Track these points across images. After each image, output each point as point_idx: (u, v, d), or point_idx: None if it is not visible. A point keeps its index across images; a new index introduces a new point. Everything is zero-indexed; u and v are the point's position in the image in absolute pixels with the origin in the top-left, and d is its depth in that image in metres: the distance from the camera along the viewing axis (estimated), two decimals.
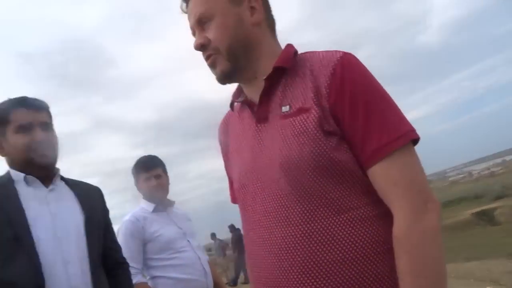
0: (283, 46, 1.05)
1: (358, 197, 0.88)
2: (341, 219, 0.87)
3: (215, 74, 1.03)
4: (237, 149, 1.07)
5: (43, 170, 1.54)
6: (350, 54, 0.93)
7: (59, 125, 1.65)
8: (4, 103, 1.55)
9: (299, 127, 0.90)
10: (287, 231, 0.89)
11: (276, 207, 0.92)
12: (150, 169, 2.40)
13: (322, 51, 0.97)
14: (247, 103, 1.05)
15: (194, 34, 1.04)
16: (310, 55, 0.98)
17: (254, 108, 1.02)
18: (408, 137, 0.87)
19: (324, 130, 0.88)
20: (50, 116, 1.62)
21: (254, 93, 1.03)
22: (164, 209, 2.39)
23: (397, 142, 0.85)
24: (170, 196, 2.47)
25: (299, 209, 0.88)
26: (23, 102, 1.54)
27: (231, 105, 1.13)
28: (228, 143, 1.13)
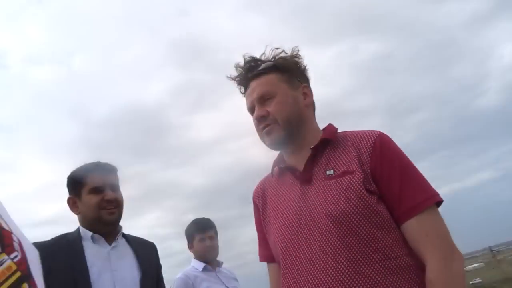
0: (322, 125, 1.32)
1: (400, 247, 1.06)
2: (386, 266, 1.02)
3: (270, 140, 1.25)
4: (277, 209, 1.23)
5: (109, 227, 1.72)
6: (385, 133, 1.19)
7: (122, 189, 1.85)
8: (80, 168, 1.79)
9: (345, 184, 1.10)
10: (335, 275, 1.02)
11: (323, 254, 1.06)
12: (205, 230, 2.57)
13: (360, 130, 1.22)
14: (289, 169, 1.25)
15: (252, 108, 1.28)
16: (350, 133, 1.23)
17: (297, 173, 1.22)
18: (435, 199, 1.09)
19: (367, 189, 1.08)
20: (118, 178, 1.83)
21: (298, 161, 1.24)
22: (213, 269, 2.53)
23: (427, 202, 1.07)
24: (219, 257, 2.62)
25: (346, 255, 1.03)
26: (97, 167, 1.78)
27: (272, 169, 1.32)
28: (266, 205, 1.29)
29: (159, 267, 1.89)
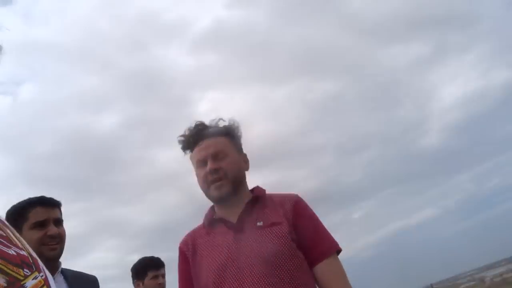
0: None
1: (313, 284, 1.43)
2: None
3: (218, 194, 1.48)
4: (210, 255, 1.45)
5: (49, 263, 1.60)
6: (301, 197, 1.54)
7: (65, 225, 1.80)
8: (23, 202, 1.73)
9: (274, 233, 1.42)
10: None
11: (256, 284, 1.34)
12: (159, 268, 2.57)
13: (282, 193, 1.56)
14: (222, 220, 1.50)
15: (204, 161, 1.49)
16: (274, 194, 1.56)
17: (229, 223, 1.48)
18: (336, 247, 1.48)
19: (291, 237, 1.41)
20: (61, 213, 1.79)
21: (229, 214, 1.50)
22: None
23: (331, 250, 1.45)
24: None
25: (278, 285, 1.33)
26: (40, 200, 1.72)
27: (205, 221, 1.56)
28: (196, 253, 1.50)
29: None
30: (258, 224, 1.44)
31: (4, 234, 0.42)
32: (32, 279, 0.40)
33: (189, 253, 1.52)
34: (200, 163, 1.51)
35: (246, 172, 1.59)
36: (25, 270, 0.41)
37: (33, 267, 0.45)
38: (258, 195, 1.53)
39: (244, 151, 1.61)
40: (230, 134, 1.56)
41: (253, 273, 1.34)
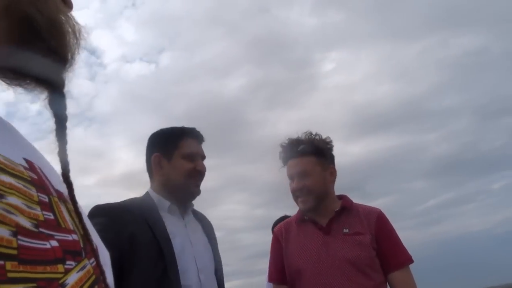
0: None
1: (384, 284, 1.68)
2: None
3: (303, 208, 1.75)
4: (302, 247, 1.72)
5: (189, 200, 1.61)
6: (382, 212, 1.78)
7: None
8: (175, 129, 1.63)
9: (359, 240, 1.67)
10: None
11: (340, 284, 1.60)
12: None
13: (366, 205, 1.81)
14: (313, 222, 1.76)
15: (292, 177, 1.76)
16: (360, 205, 1.79)
17: (319, 225, 1.74)
18: (412, 260, 1.70)
19: (372, 246, 1.66)
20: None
21: (320, 218, 1.75)
22: None
23: (407, 262, 1.70)
24: None
25: (357, 285, 1.60)
26: (193, 133, 1.64)
27: (298, 218, 1.80)
28: (289, 241, 1.77)
29: (217, 245, 1.75)
30: (344, 230, 1.70)
31: (52, 217, 0.34)
32: (78, 271, 0.33)
33: (282, 238, 1.79)
34: (289, 178, 1.79)
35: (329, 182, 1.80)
36: (67, 263, 0.32)
37: (82, 254, 0.35)
38: (345, 205, 1.77)
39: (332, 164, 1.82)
40: (318, 152, 1.77)
41: (341, 272, 1.61)
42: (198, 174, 1.58)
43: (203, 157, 1.63)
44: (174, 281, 1.37)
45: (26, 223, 0.30)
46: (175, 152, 1.56)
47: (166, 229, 1.45)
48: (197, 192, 1.60)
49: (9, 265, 0.27)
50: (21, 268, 0.28)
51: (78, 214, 0.37)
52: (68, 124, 0.40)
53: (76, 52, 0.42)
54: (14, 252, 0.28)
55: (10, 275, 0.27)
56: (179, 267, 1.40)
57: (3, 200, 0.29)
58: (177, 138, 1.59)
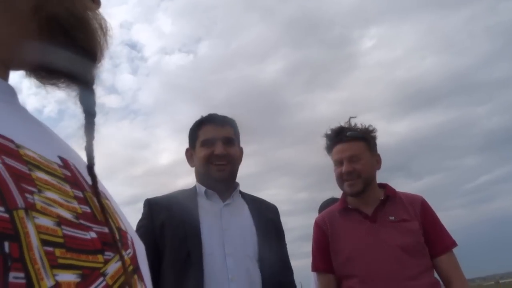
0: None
1: (431, 268, 1.71)
2: (429, 275, 1.69)
3: (350, 191, 1.77)
4: (349, 235, 1.74)
5: (219, 184, 1.59)
6: (425, 199, 1.82)
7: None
8: (196, 121, 1.70)
9: (407, 227, 1.71)
10: (403, 274, 1.63)
11: (396, 267, 1.63)
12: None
13: (409, 192, 1.84)
14: (357, 210, 1.79)
15: (340, 162, 1.77)
16: (402, 193, 1.83)
17: (364, 214, 1.77)
18: (455, 244, 1.77)
19: (420, 232, 1.71)
20: (235, 132, 1.67)
21: (364, 206, 1.79)
22: None
23: (453, 245, 1.76)
24: None
25: (410, 268, 1.63)
26: (209, 118, 1.67)
27: (340, 208, 1.83)
28: (335, 230, 1.78)
29: (281, 232, 1.70)
30: (391, 218, 1.73)
31: (88, 210, 0.34)
32: (116, 261, 0.34)
33: (326, 228, 1.80)
34: (336, 163, 1.80)
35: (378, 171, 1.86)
36: (106, 254, 0.33)
37: (119, 245, 0.36)
38: (389, 194, 1.80)
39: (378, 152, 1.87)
40: (365, 138, 1.81)
41: (394, 259, 1.64)
42: (216, 158, 1.57)
43: (226, 139, 1.61)
44: (197, 264, 1.39)
45: (67, 214, 0.31)
46: (196, 142, 1.66)
47: (198, 214, 1.51)
48: (222, 176, 1.58)
49: (58, 252, 0.28)
50: (68, 255, 0.29)
51: (107, 206, 0.38)
52: (96, 119, 0.40)
53: (104, 48, 0.42)
54: (61, 240, 0.29)
55: (60, 261, 0.28)
56: (204, 251, 1.42)
57: (42, 194, 0.29)
58: (197, 128, 1.68)
